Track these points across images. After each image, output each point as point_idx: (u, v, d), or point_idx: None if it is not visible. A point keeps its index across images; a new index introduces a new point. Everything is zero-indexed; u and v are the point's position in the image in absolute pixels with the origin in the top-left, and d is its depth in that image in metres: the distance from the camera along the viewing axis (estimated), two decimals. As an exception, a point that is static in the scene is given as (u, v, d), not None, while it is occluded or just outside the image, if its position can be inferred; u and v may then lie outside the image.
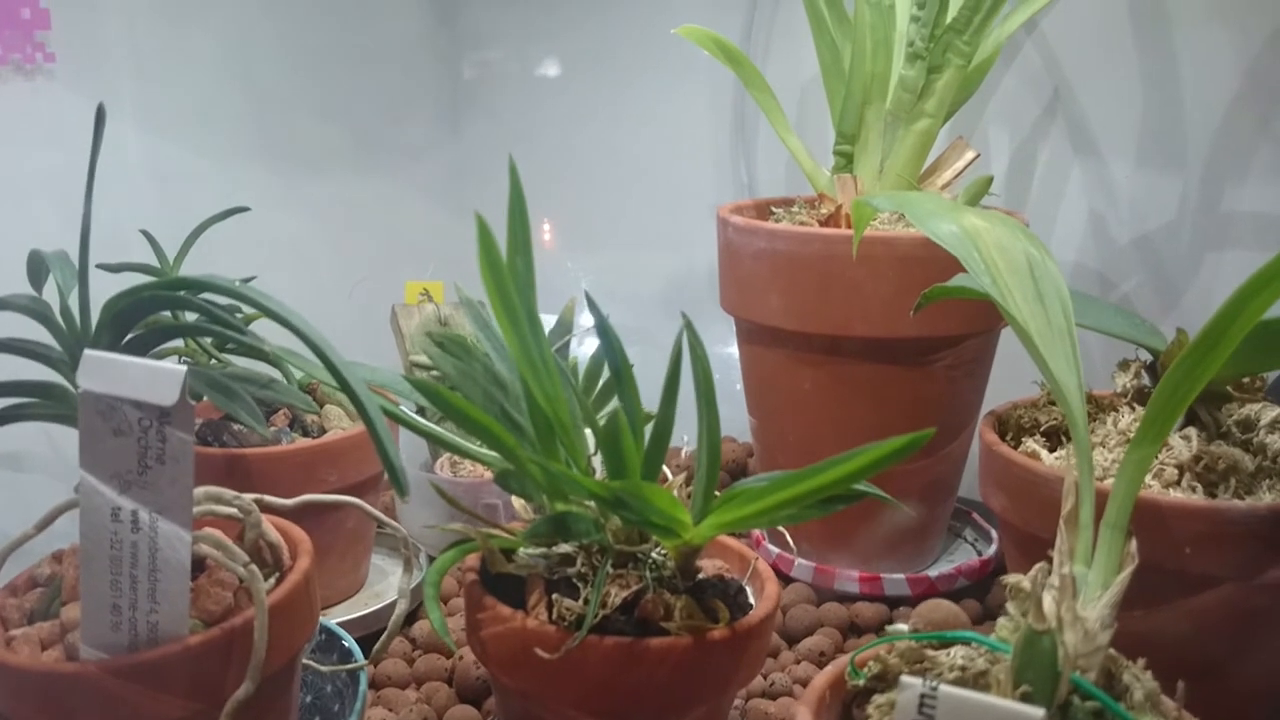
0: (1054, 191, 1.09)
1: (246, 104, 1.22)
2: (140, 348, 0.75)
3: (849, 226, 0.93)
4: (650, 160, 1.36)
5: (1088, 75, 1.06)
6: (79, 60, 1.04)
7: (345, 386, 0.66)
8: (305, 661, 0.69)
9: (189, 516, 0.57)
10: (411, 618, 0.94)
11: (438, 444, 0.71)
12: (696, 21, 1.03)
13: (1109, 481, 0.56)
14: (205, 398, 0.77)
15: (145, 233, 0.97)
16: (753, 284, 0.94)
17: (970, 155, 0.98)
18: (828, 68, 1.00)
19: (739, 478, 1.08)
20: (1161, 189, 1.03)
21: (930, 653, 0.54)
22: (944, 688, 0.41)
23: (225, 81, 1.19)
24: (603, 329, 0.63)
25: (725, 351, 1.08)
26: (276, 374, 0.87)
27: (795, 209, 1.02)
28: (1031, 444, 0.77)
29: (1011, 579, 0.52)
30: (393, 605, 0.81)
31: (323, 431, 0.94)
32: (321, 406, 0.96)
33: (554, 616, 0.61)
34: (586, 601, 0.61)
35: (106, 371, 0.56)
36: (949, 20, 0.92)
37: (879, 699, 0.53)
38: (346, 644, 0.76)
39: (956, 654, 0.52)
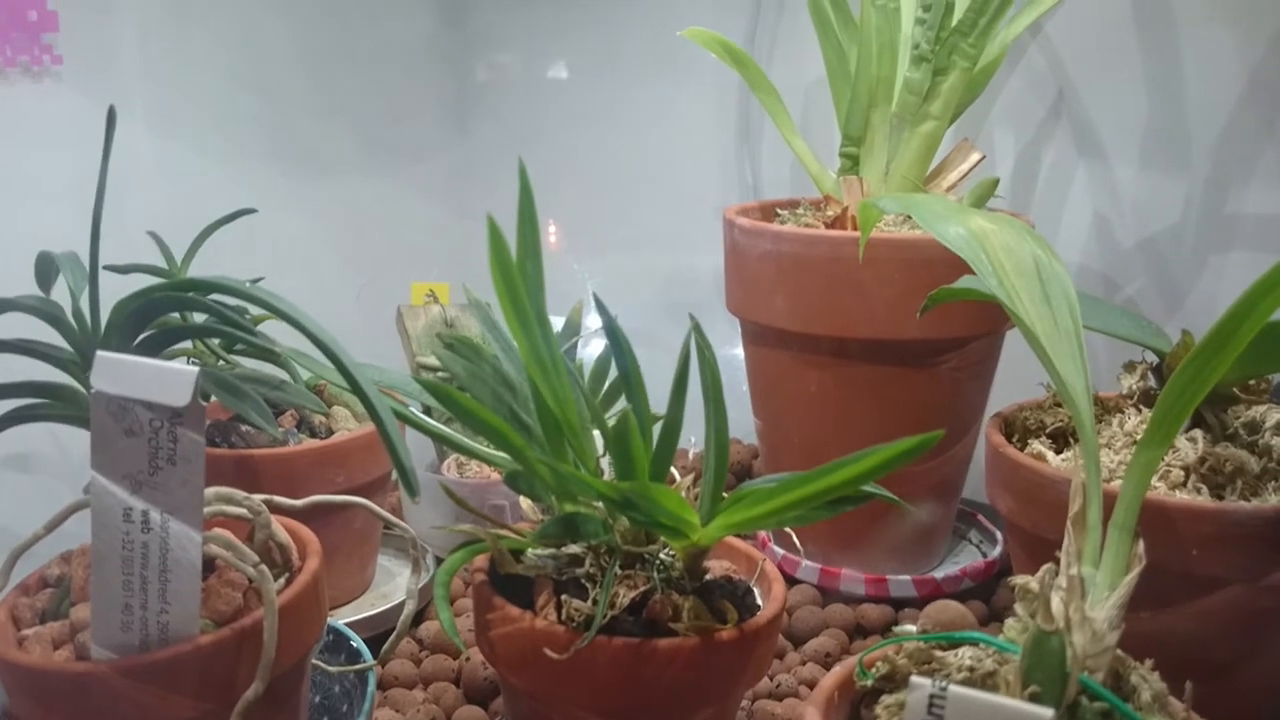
0: (1059, 193, 1.09)
1: (254, 106, 1.22)
2: (150, 349, 0.75)
3: (855, 228, 0.93)
4: (656, 162, 1.36)
5: (1092, 77, 1.06)
6: (86, 62, 1.04)
7: (356, 388, 0.67)
8: (314, 662, 0.69)
9: (200, 517, 0.57)
10: (419, 618, 0.94)
11: (446, 445, 0.71)
12: (702, 24, 1.03)
13: (1116, 483, 0.56)
14: (215, 398, 0.78)
15: (153, 234, 0.97)
16: (758, 286, 0.94)
17: (975, 157, 0.98)
18: (833, 70, 1.00)
19: (744, 479, 1.08)
20: (1166, 191, 1.03)
21: (938, 653, 0.54)
22: (953, 688, 0.41)
23: (233, 84, 1.19)
24: (611, 331, 0.64)
25: (731, 353, 1.09)
26: (285, 375, 0.87)
27: (801, 211, 1.03)
28: (1038, 446, 0.77)
29: (1019, 580, 0.53)
30: (400, 606, 0.81)
31: (330, 432, 0.94)
32: (329, 407, 0.96)
33: (562, 617, 0.62)
34: (595, 602, 0.61)
35: (119, 372, 0.56)
36: (954, 23, 0.92)
37: (887, 699, 0.53)
38: (354, 644, 0.77)
39: (964, 655, 0.52)
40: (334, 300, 1.23)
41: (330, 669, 0.74)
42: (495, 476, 1.01)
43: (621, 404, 0.65)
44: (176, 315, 0.85)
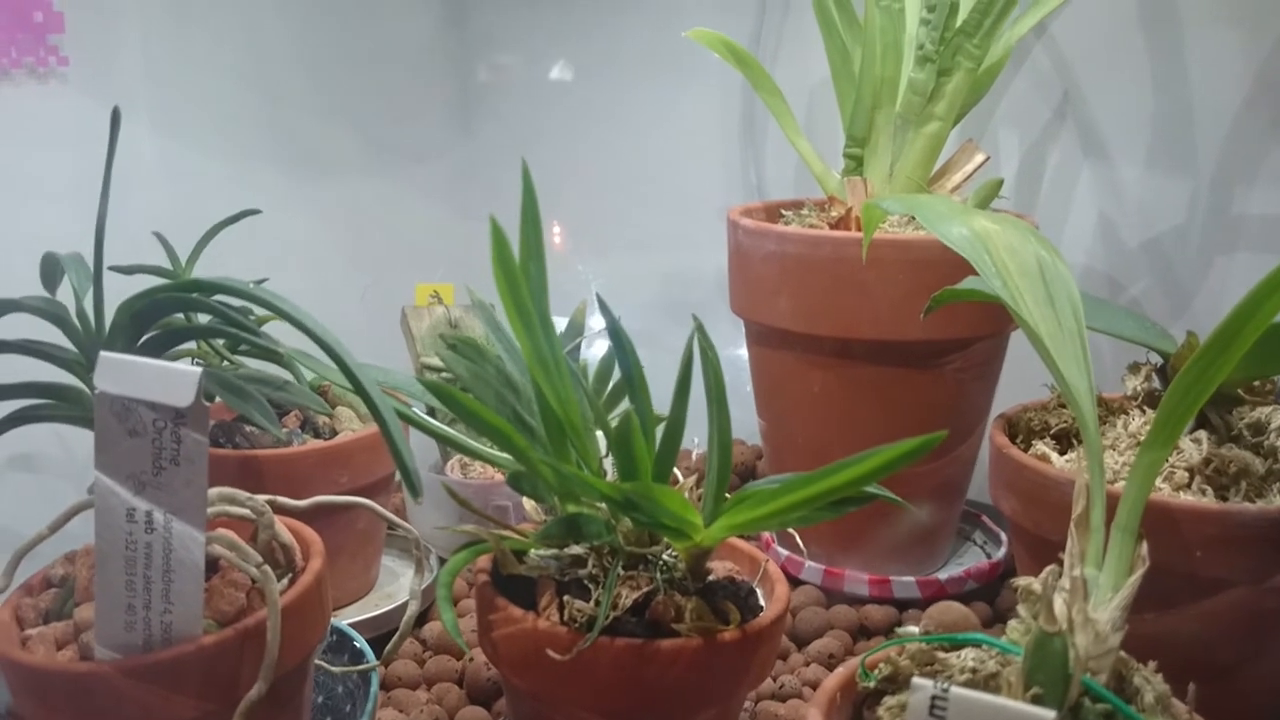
0: (1064, 194, 1.09)
1: (258, 107, 1.22)
2: (154, 349, 0.75)
3: (859, 229, 0.93)
4: (660, 163, 1.36)
5: (1097, 78, 1.06)
6: (92, 64, 1.04)
7: (359, 388, 0.67)
8: (317, 662, 0.70)
9: (203, 517, 0.57)
10: (422, 619, 0.95)
11: (449, 446, 0.71)
12: (706, 25, 1.03)
13: (1120, 484, 0.56)
14: (218, 399, 0.78)
15: (158, 235, 0.97)
16: (762, 286, 0.94)
17: (980, 158, 0.98)
18: (837, 71, 1.00)
19: (748, 480, 1.08)
20: (1171, 192, 1.03)
21: (941, 655, 0.54)
22: (955, 689, 0.41)
23: (237, 85, 1.19)
24: (614, 332, 0.64)
25: (735, 354, 1.09)
26: (289, 375, 0.88)
27: (805, 212, 1.02)
28: (1042, 447, 0.77)
29: (1022, 581, 0.52)
30: (403, 606, 0.81)
31: (334, 433, 0.94)
32: (333, 408, 0.96)
33: (565, 618, 0.62)
34: (598, 603, 0.61)
35: (122, 373, 0.56)
36: (959, 23, 0.92)
37: (890, 701, 0.53)
38: (358, 645, 0.77)
39: (967, 656, 0.52)
40: (338, 301, 1.24)
41: (333, 669, 0.74)
42: (499, 477, 1.01)
43: (626, 405, 0.65)
44: (181, 316, 0.85)
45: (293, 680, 0.64)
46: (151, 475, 0.56)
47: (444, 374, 1.01)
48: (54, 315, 0.74)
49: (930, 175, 0.97)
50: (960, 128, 1.00)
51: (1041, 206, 1.11)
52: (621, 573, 0.62)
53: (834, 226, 0.97)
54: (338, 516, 0.88)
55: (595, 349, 0.92)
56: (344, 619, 0.87)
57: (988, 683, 0.50)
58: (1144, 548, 0.52)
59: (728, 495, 0.60)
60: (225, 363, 0.92)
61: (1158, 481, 0.68)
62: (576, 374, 0.63)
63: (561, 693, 0.62)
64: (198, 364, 0.89)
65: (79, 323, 0.75)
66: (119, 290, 0.74)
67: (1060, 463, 0.75)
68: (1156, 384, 0.79)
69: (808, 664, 0.88)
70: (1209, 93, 0.99)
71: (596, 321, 0.84)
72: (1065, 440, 0.80)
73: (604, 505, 0.63)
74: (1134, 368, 0.80)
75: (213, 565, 0.62)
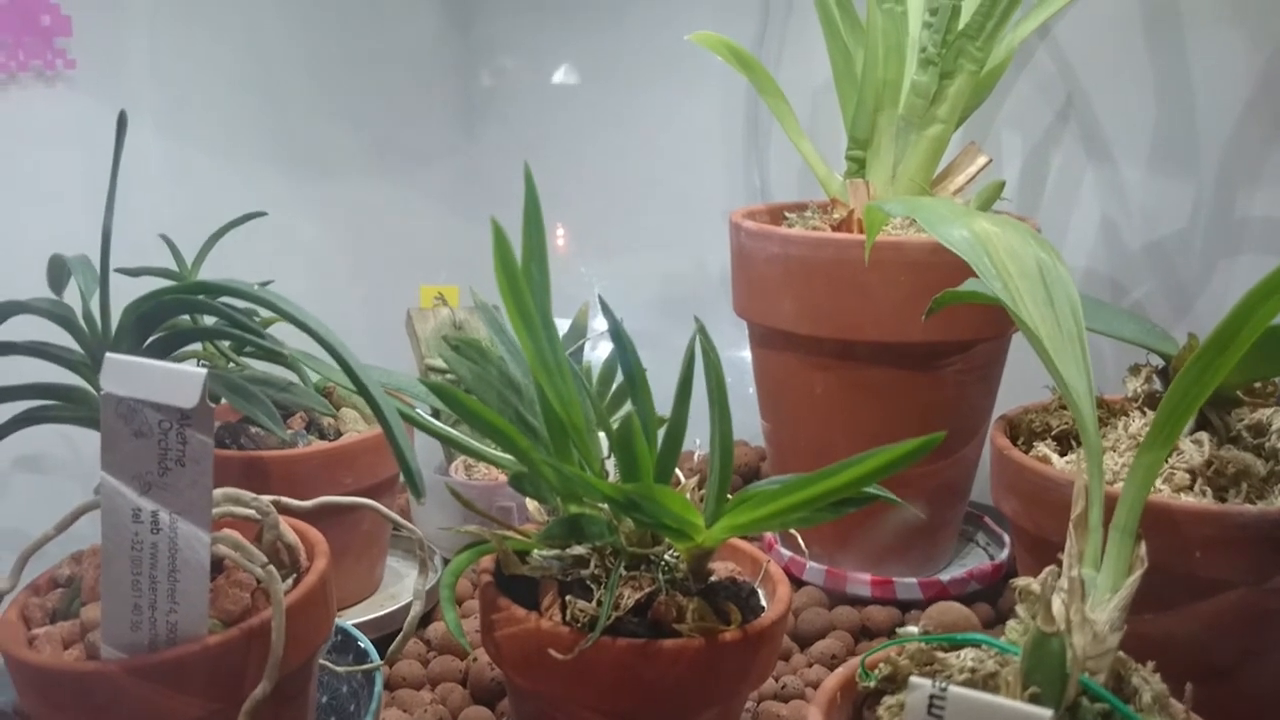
0: (1066, 197, 1.09)
1: (264, 110, 1.23)
2: (160, 351, 0.75)
3: (861, 231, 0.93)
4: (663, 165, 1.37)
5: (1100, 81, 1.06)
6: (99, 66, 1.05)
7: (362, 390, 0.67)
8: (322, 662, 0.70)
9: (208, 518, 0.58)
10: (426, 619, 0.95)
11: (453, 447, 0.72)
12: (709, 28, 1.03)
13: (1119, 485, 0.56)
14: (224, 400, 0.78)
15: (164, 237, 0.98)
16: (765, 288, 0.94)
17: (982, 161, 0.98)
18: (840, 73, 1.01)
19: (751, 481, 1.08)
20: (1174, 194, 1.03)
21: (940, 655, 0.54)
22: (953, 689, 0.42)
23: (243, 88, 1.20)
24: (617, 333, 0.64)
25: (737, 356, 1.09)
26: (294, 377, 0.88)
27: (808, 214, 1.03)
28: (1043, 448, 0.77)
29: (1021, 581, 0.53)
30: (407, 607, 0.82)
31: (339, 434, 0.95)
32: (337, 409, 0.96)
33: (568, 618, 0.62)
34: (600, 603, 0.61)
35: (128, 374, 0.56)
36: (961, 26, 0.92)
37: (889, 700, 0.54)
38: (362, 645, 0.77)
39: (966, 656, 0.53)
40: (343, 303, 1.24)
41: (338, 669, 0.74)
42: (502, 478, 1.01)
43: (628, 407, 0.66)
44: (186, 318, 0.86)
45: (297, 680, 0.64)
46: (157, 476, 0.57)
47: (448, 375, 1.01)
48: (61, 317, 0.75)
49: (933, 178, 0.97)
50: (963, 130, 1.00)
51: (1044, 209, 1.11)
52: (624, 573, 0.62)
53: (836, 229, 0.97)
54: (342, 517, 0.88)
55: (599, 351, 0.93)
56: (349, 619, 0.87)
57: (986, 682, 0.51)
58: (1143, 548, 0.52)
59: (729, 496, 0.61)
60: (230, 364, 0.92)
61: (1158, 483, 0.69)
62: (579, 375, 0.64)
63: (564, 692, 0.63)
64: (203, 365, 0.89)
65: (85, 324, 0.75)
66: (126, 292, 0.74)
67: (1061, 464, 0.75)
68: (1157, 386, 0.79)
69: (810, 665, 0.88)
70: (1211, 95, 1.00)
71: (599, 323, 0.84)
72: (1066, 442, 0.80)
73: (606, 506, 0.63)
74: (1135, 369, 0.80)
75: (218, 565, 0.62)
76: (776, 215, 1.05)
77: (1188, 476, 0.69)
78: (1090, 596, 0.51)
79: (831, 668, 0.87)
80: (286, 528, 0.67)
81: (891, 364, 0.91)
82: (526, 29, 1.43)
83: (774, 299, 0.93)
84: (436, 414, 0.90)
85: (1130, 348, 0.78)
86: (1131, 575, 0.51)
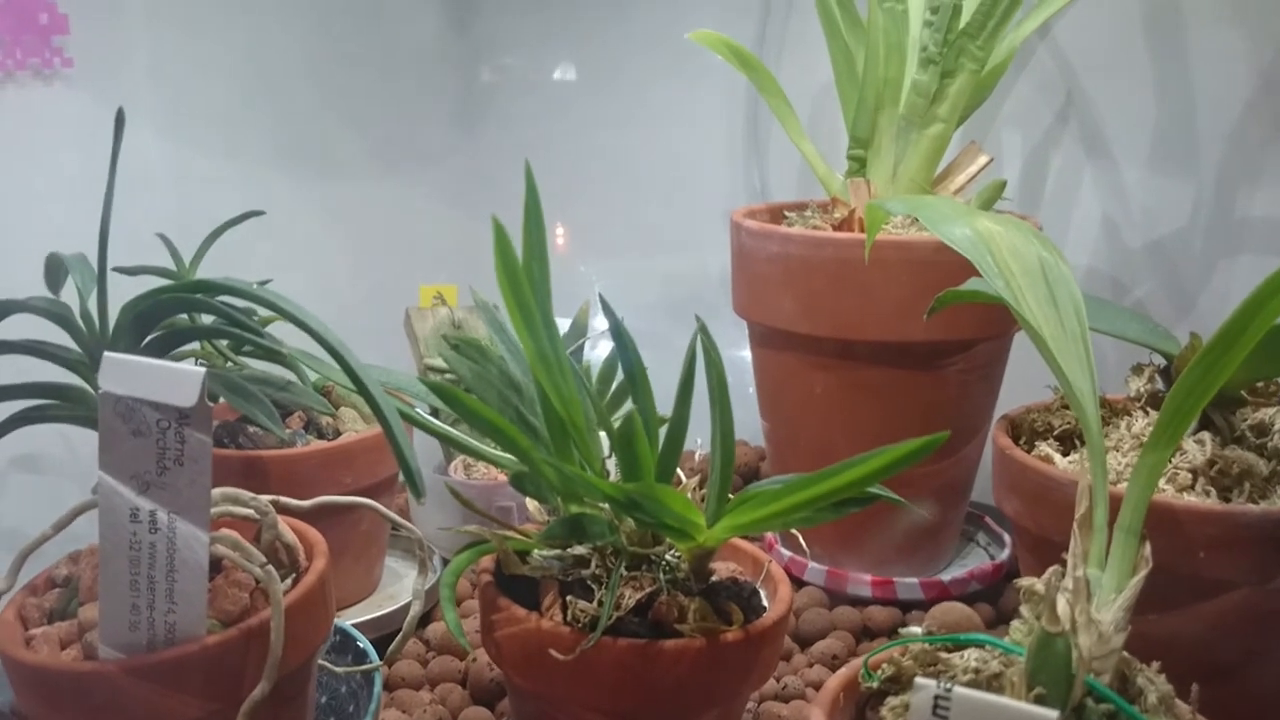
0: (1067, 196, 1.09)
1: (262, 109, 1.22)
2: (158, 350, 0.75)
3: (862, 231, 0.93)
4: (663, 165, 1.36)
5: (1101, 80, 1.06)
6: (96, 65, 1.04)
7: (362, 389, 0.67)
8: (320, 662, 0.70)
9: (207, 517, 0.57)
10: (425, 619, 0.95)
11: (453, 446, 0.71)
12: (710, 27, 1.03)
13: (1123, 485, 0.56)
14: (221, 399, 0.78)
15: (162, 236, 0.97)
16: (765, 288, 0.94)
17: (983, 160, 0.98)
18: (841, 73, 1.00)
19: (751, 481, 1.07)
20: (1175, 193, 1.03)
21: (944, 655, 0.54)
22: (958, 689, 0.41)
23: (241, 86, 1.20)
24: (617, 332, 0.64)
25: (737, 355, 1.09)
26: (292, 376, 0.88)
27: (808, 213, 1.02)
28: (1045, 448, 0.77)
29: (1025, 582, 0.52)
30: (406, 607, 0.81)
31: (337, 434, 0.94)
32: (336, 409, 0.96)
33: (568, 618, 0.62)
34: (600, 603, 0.61)
35: (126, 373, 0.56)
36: (962, 25, 0.92)
37: (893, 701, 0.53)
38: (361, 645, 0.77)
39: (970, 656, 0.52)
40: (341, 302, 1.24)
41: (337, 669, 0.74)
42: (502, 478, 1.01)
43: (629, 406, 0.65)
44: (184, 316, 0.85)
45: (296, 680, 0.64)
46: (155, 475, 0.56)
47: (447, 375, 1.01)
48: (58, 316, 0.74)
49: (933, 177, 0.97)
50: (963, 129, 1.00)
51: (1045, 208, 1.11)
52: (624, 573, 0.62)
53: (837, 228, 0.97)
54: (341, 517, 0.88)
55: (599, 350, 0.92)
56: (347, 620, 0.87)
57: (991, 683, 0.50)
58: (1147, 548, 0.52)
59: (731, 496, 0.60)
60: (229, 363, 0.92)
61: (1161, 483, 0.68)
62: (579, 374, 0.63)
63: (565, 693, 0.62)
64: (201, 364, 0.89)
65: (83, 323, 0.75)
66: (123, 291, 0.74)
67: (1063, 464, 0.75)
68: (1160, 385, 0.79)
69: (811, 665, 0.88)
70: (1212, 94, 0.99)
71: (600, 322, 0.84)
72: (1068, 441, 0.80)
73: (607, 506, 0.63)
74: (1137, 369, 0.80)
75: (216, 565, 0.62)
76: (776, 215, 1.05)
77: (1190, 476, 0.69)
78: (1095, 597, 0.51)
79: (832, 668, 0.87)
80: (285, 527, 0.66)
81: (892, 363, 0.91)
82: (527, 28, 1.43)
83: (774, 298, 0.93)
84: (435, 413, 0.90)
85: (1130, 347, 0.78)
86: (1136, 575, 0.51)
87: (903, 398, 0.92)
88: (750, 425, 1.06)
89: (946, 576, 0.98)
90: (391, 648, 0.71)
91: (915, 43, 0.95)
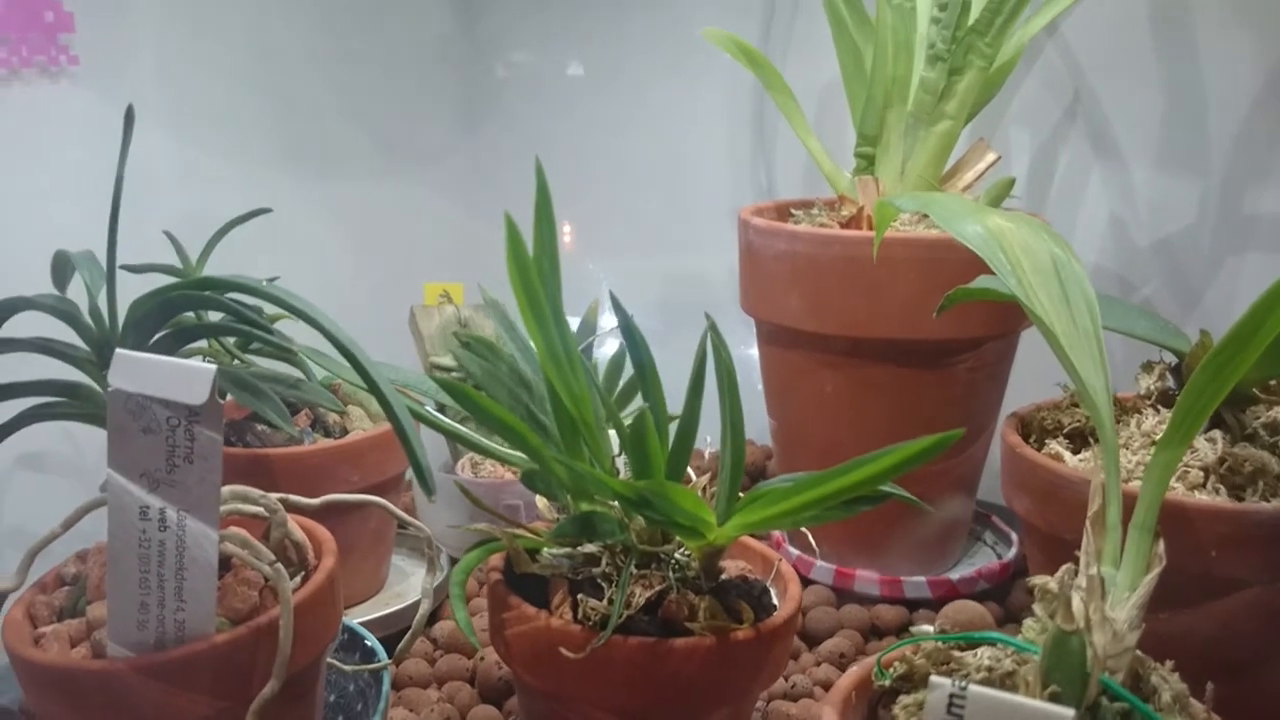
0: (1075, 194, 1.09)
1: (268, 107, 1.22)
2: (166, 347, 0.75)
3: (870, 228, 0.93)
4: (670, 163, 1.36)
5: (1109, 78, 1.06)
6: (102, 63, 1.04)
7: (373, 387, 0.67)
8: (329, 660, 0.70)
9: (216, 515, 0.57)
10: (434, 618, 0.94)
11: (462, 444, 0.71)
12: (717, 25, 1.03)
13: (1134, 483, 0.56)
14: (231, 397, 0.78)
15: (168, 234, 0.97)
16: (773, 285, 0.94)
17: (991, 157, 0.98)
18: (848, 70, 1.00)
19: (758, 480, 1.07)
20: (1182, 191, 1.03)
21: (956, 654, 0.54)
22: (973, 688, 0.41)
23: (247, 84, 1.20)
24: (628, 330, 0.63)
25: (745, 353, 1.08)
26: (300, 374, 0.88)
27: (815, 211, 1.02)
28: (1055, 446, 0.77)
29: (1038, 580, 0.52)
30: (414, 605, 0.81)
31: (345, 432, 0.94)
32: (344, 406, 0.96)
33: (578, 616, 0.62)
34: (611, 601, 0.61)
35: (137, 370, 0.56)
36: (971, 22, 0.92)
37: (905, 699, 0.53)
38: (369, 643, 0.77)
39: (983, 655, 0.52)
40: (347, 300, 1.24)
41: (345, 668, 0.74)
42: (510, 476, 1.01)
43: (637, 403, 0.65)
44: (192, 314, 0.85)
45: (305, 678, 0.64)
46: (165, 473, 0.56)
47: (455, 373, 1.00)
48: (66, 313, 0.74)
49: (942, 174, 0.97)
50: (971, 127, 0.99)
51: (1052, 206, 1.11)
52: (635, 571, 0.62)
53: (845, 225, 0.97)
54: (349, 515, 0.88)
55: (607, 348, 0.92)
56: (355, 618, 0.86)
57: (1004, 681, 0.50)
58: (1161, 546, 0.52)
59: (741, 494, 0.60)
60: (237, 361, 0.92)
61: (1173, 481, 0.68)
62: (589, 371, 0.63)
63: (574, 691, 0.62)
64: (210, 362, 0.89)
65: (91, 321, 0.75)
66: (131, 289, 0.74)
67: (1074, 462, 0.75)
68: (1170, 383, 0.79)
69: (819, 664, 0.88)
70: (1220, 93, 0.99)
71: (608, 320, 0.84)
72: (1078, 439, 0.79)
73: (617, 504, 0.63)
74: (1147, 367, 0.80)
75: (225, 563, 0.61)
76: (783, 212, 1.04)
77: (1201, 474, 0.69)
78: (1109, 595, 0.51)
79: (840, 667, 0.87)
80: (294, 525, 0.66)
81: (900, 362, 0.90)
82: (531, 27, 1.42)
83: (782, 296, 0.93)
84: (443, 411, 0.90)
85: (1138, 344, 0.77)
86: (1150, 573, 0.51)
87: (911, 396, 0.91)
88: (757, 423, 1.06)
89: (954, 575, 0.98)
90: (400, 646, 0.71)
91: (923, 40, 0.95)
